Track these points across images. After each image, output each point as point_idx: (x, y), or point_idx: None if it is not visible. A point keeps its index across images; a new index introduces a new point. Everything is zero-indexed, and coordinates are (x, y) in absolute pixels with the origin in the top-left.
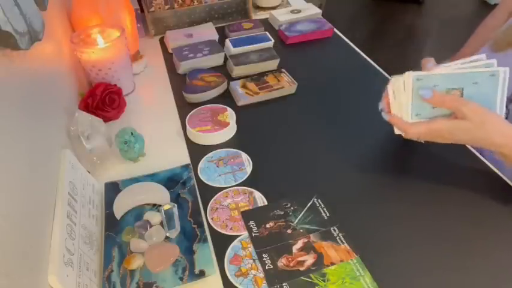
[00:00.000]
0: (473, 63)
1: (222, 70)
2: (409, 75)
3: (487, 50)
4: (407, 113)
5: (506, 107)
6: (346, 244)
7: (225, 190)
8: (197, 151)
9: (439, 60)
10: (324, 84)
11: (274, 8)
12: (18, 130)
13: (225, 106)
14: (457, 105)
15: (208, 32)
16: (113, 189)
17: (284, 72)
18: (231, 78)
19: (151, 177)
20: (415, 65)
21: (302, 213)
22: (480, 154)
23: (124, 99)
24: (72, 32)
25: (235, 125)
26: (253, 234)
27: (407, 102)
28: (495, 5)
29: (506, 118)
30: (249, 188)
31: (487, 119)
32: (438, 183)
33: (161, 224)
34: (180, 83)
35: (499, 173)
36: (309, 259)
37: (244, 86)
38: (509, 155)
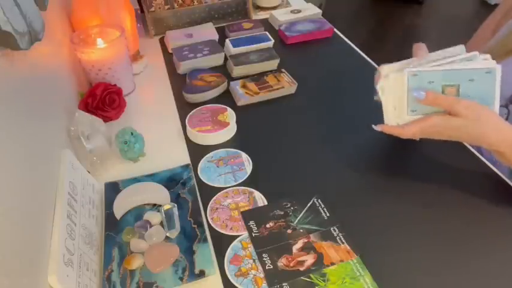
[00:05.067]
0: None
1: (222, 70)
2: (404, 72)
3: None
4: (402, 109)
5: (506, 107)
6: (346, 244)
7: (225, 190)
8: (197, 151)
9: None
10: (324, 84)
11: (274, 8)
12: (18, 130)
13: (225, 106)
14: (451, 104)
15: (208, 32)
16: (113, 189)
17: (284, 72)
18: (231, 78)
19: (151, 177)
20: None
21: (302, 213)
22: (479, 154)
23: (124, 99)
24: (72, 32)
25: (235, 125)
26: (253, 234)
27: (402, 98)
28: (495, 5)
29: (507, 119)
30: (249, 188)
31: (481, 116)
32: (438, 183)
33: (161, 224)
34: (180, 83)
35: (499, 173)
36: (309, 259)
37: (244, 86)
38: (505, 152)
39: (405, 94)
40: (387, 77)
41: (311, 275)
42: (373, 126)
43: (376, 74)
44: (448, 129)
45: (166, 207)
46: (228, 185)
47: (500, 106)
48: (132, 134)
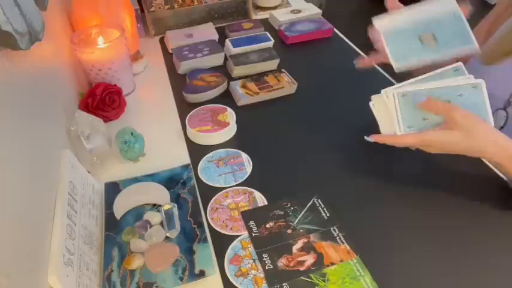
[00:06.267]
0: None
1: (222, 70)
2: (393, 93)
3: (476, 63)
4: (397, 127)
5: (505, 109)
6: (346, 244)
7: (225, 190)
8: (197, 151)
9: None
10: (324, 84)
11: (274, 8)
12: (18, 130)
13: (225, 106)
14: (449, 111)
15: (208, 32)
16: (113, 189)
17: (284, 72)
18: (231, 78)
19: (151, 177)
20: None
21: (302, 213)
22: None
23: (124, 99)
24: (72, 32)
25: (235, 125)
26: (253, 234)
27: (395, 117)
28: (495, 4)
29: (506, 122)
30: (249, 188)
31: (475, 128)
32: (439, 184)
33: (161, 224)
34: (180, 83)
35: (500, 174)
36: (309, 259)
37: (244, 86)
38: (500, 163)
39: (398, 113)
40: (374, 102)
41: (311, 275)
42: (366, 137)
43: (371, 28)
44: (444, 145)
45: (166, 207)
46: (228, 185)
47: (499, 109)
48: (132, 134)
